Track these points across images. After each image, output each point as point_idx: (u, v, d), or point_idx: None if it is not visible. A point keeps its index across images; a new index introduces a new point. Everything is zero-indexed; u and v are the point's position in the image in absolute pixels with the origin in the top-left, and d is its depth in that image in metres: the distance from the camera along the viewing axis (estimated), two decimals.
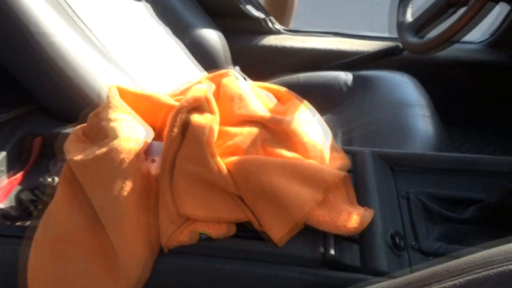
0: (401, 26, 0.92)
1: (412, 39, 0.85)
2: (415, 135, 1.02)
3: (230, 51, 1.35)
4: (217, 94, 0.69)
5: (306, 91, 1.25)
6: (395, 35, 1.08)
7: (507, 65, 1.31)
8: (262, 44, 1.42)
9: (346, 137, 1.12)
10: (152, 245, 0.51)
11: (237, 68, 1.37)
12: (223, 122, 0.63)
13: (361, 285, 0.46)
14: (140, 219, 0.51)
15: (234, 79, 0.72)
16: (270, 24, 1.45)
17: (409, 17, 0.92)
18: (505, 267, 0.26)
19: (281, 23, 1.52)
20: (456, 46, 1.43)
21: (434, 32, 0.84)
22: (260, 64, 1.42)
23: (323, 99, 1.22)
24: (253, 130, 0.64)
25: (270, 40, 1.43)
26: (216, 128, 0.58)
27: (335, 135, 1.13)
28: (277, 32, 1.46)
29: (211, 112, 0.60)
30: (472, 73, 1.37)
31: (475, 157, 0.69)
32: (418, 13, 0.95)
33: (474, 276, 0.27)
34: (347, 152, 0.69)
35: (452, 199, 0.63)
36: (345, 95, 1.26)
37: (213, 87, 0.69)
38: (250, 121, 0.67)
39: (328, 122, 1.20)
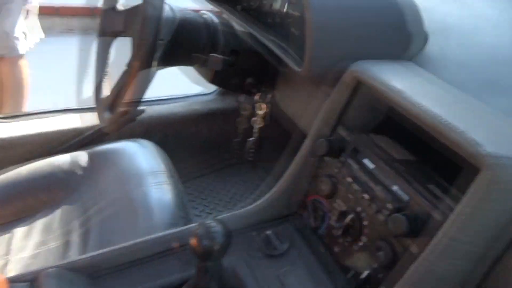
0: (97, 102, 0.84)
1: (105, 115, 0.77)
2: (153, 208, 0.94)
3: None
4: None
5: (30, 187, 1.06)
6: None
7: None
8: None
9: (83, 229, 0.96)
10: None
11: None
12: None
13: None
14: None
15: None
16: None
17: (104, 92, 0.85)
18: None
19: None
20: (194, 99, 1.48)
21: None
22: None
23: (54, 189, 1.04)
24: None
25: None
26: None
27: (70, 231, 0.95)
28: None
29: None
30: (209, 121, 1.43)
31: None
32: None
33: None
34: (19, 280, 0.53)
35: None
36: (81, 178, 1.09)
37: None
38: None
39: (63, 216, 1.03)
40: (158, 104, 1.39)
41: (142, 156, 1.10)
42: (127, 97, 0.58)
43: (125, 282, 0.61)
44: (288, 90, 0.92)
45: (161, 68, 0.72)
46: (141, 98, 0.61)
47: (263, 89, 0.85)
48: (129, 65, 0.57)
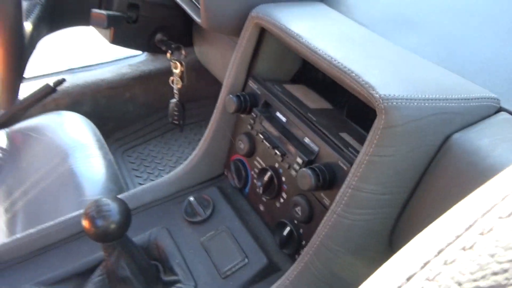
0: None
1: None
2: (81, 183, 0.88)
3: None
4: None
5: None
6: None
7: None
8: None
9: (9, 215, 0.90)
10: None
11: None
12: None
13: None
14: None
15: None
16: None
17: None
18: None
19: None
20: (123, 62, 1.38)
21: None
22: None
23: None
24: None
25: None
26: None
27: None
28: None
29: None
30: (143, 84, 1.35)
31: None
32: None
33: None
34: None
35: None
36: (1, 160, 1.01)
37: None
38: None
39: None
40: (83, 71, 1.29)
41: (66, 129, 1.02)
42: (3, 74, 0.51)
43: (34, 270, 0.57)
44: (206, 44, 0.86)
45: (47, 33, 0.64)
46: (21, 73, 0.54)
47: (175, 45, 0.78)
48: None
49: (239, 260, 0.58)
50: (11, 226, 0.88)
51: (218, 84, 1.01)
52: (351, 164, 0.47)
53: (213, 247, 0.60)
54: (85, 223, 0.44)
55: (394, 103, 0.40)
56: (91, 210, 0.44)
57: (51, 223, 0.61)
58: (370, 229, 0.48)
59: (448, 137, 0.43)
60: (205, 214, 0.64)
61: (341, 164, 0.48)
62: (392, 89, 0.41)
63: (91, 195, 0.89)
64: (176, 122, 0.80)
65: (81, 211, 0.64)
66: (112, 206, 0.45)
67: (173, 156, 1.38)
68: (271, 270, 0.58)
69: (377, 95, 0.40)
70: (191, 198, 0.66)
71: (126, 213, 0.47)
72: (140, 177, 1.29)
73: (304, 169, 0.48)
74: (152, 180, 1.29)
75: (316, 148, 0.52)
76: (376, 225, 0.47)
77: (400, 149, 0.41)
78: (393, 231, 0.50)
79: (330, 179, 0.49)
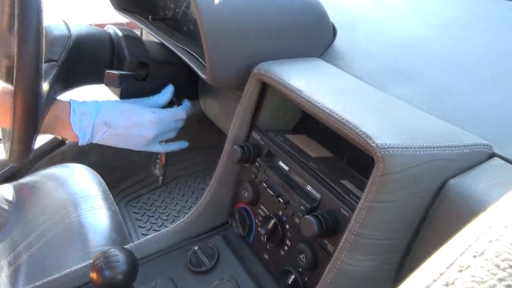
0: (3, 132, 0.78)
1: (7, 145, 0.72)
2: (86, 235, 0.89)
3: None
4: None
5: None
6: None
7: None
8: None
9: (12, 269, 0.89)
10: None
11: None
12: None
13: None
14: None
15: None
16: None
17: None
18: None
19: None
20: None
21: None
22: None
23: None
24: None
25: None
26: None
27: None
28: None
29: None
30: None
31: None
32: None
33: None
34: None
35: None
36: (7, 213, 1.02)
37: None
38: None
39: None
40: None
41: (73, 182, 1.05)
42: (19, 132, 0.54)
43: None
44: (211, 97, 0.90)
45: (63, 92, 0.68)
46: (36, 130, 0.57)
47: (182, 99, 0.82)
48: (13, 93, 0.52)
49: None
50: (13, 280, 0.88)
51: (220, 134, 1.04)
52: (352, 210, 0.49)
53: None
54: (93, 274, 0.45)
55: (391, 152, 0.42)
56: (100, 261, 0.45)
57: (56, 276, 0.61)
58: (374, 275, 0.48)
59: (445, 183, 0.45)
60: (210, 264, 0.64)
61: (343, 211, 0.50)
62: (388, 138, 0.43)
63: (95, 246, 0.89)
64: (158, 172, 0.82)
65: (86, 263, 0.65)
66: (120, 257, 0.46)
67: (176, 205, 1.38)
68: None
69: (374, 145, 0.42)
70: (196, 248, 0.67)
71: (134, 263, 0.47)
72: (143, 227, 1.29)
73: (307, 216, 0.50)
74: (156, 230, 1.29)
75: (318, 196, 0.54)
76: (380, 270, 0.48)
77: (399, 194, 0.43)
78: (397, 277, 0.50)
79: (333, 226, 0.50)
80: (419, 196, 0.44)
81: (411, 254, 0.47)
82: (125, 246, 0.69)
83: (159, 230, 1.32)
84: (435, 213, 0.45)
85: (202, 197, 0.71)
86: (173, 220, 1.33)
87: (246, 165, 0.66)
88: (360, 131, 0.44)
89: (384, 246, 0.46)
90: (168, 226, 1.36)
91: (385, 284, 0.50)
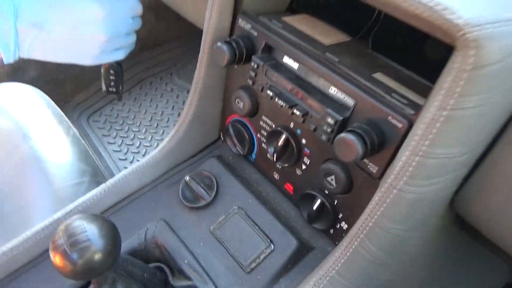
0: None
1: None
2: (50, 167, 0.74)
3: None
4: None
5: None
6: None
7: None
8: None
9: None
10: None
11: None
12: None
13: None
14: None
15: None
16: None
17: None
18: None
19: None
20: None
21: None
22: None
23: None
24: None
25: None
26: None
27: None
28: None
29: None
30: None
31: None
32: None
33: None
34: None
35: None
36: None
37: None
38: None
39: None
40: None
41: (12, 106, 0.84)
42: None
43: None
44: None
45: None
46: None
47: None
48: None
49: (264, 247, 0.47)
50: None
51: (183, 23, 0.82)
52: (408, 119, 0.35)
53: (228, 236, 0.49)
54: (56, 259, 0.31)
55: (489, 31, 0.26)
56: (62, 242, 0.31)
57: (16, 241, 0.47)
58: (437, 198, 0.37)
59: None
60: (210, 196, 0.52)
61: (394, 121, 0.36)
62: (479, 10, 0.27)
63: (61, 182, 0.74)
64: (114, 90, 0.63)
65: (55, 216, 0.51)
66: (89, 231, 0.32)
67: (146, 113, 1.21)
68: (304, 252, 0.48)
69: (461, 21, 0.27)
70: (187, 178, 0.53)
71: (112, 231, 0.34)
72: (113, 143, 1.14)
73: (344, 135, 0.36)
74: (129, 145, 1.15)
75: (350, 102, 0.39)
76: (444, 191, 0.37)
77: (494, 94, 0.29)
78: (457, 191, 0.39)
79: (379, 143, 0.36)
80: None
81: (479, 167, 0.36)
82: (99, 188, 0.55)
83: (132, 144, 1.18)
84: None
85: (183, 113, 0.55)
86: (145, 131, 1.17)
87: (236, 66, 0.49)
88: (436, 2, 0.28)
89: (458, 163, 0.33)
90: (141, 138, 1.21)
91: (444, 202, 0.39)
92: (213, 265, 0.47)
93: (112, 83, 0.62)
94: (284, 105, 0.43)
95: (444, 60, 0.30)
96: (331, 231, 0.48)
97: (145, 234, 0.50)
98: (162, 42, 1.28)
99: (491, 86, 0.28)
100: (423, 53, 0.46)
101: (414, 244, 0.42)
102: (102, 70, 0.62)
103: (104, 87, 0.63)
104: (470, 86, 0.28)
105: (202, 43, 0.49)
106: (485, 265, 0.60)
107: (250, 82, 0.47)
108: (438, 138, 0.31)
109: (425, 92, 0.36)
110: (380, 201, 0.36)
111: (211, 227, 0.50)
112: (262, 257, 0.47)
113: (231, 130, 0.55)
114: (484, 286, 0.65)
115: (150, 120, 1.19)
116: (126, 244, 0.48)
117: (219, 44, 0.45)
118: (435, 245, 0.47)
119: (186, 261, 0.47)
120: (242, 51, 0.45)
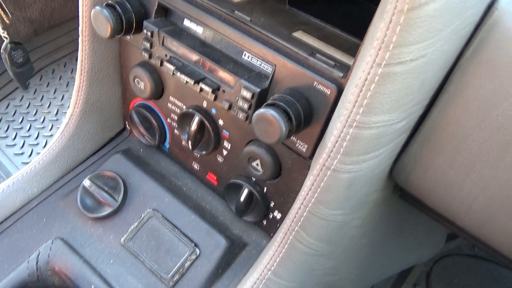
0: None
1: None
2: None
3: None
4: None
5: None
6: None
7: None
8: None
9: None
10: None
11: None
12: None
13: None
14: None
15: None
16: None
17: None
18: None
19: None
20: None
21: None
22: None
23: None
24: None
25: None
26: None
27: None
28: None
29: None
30: None
31: None
32: None
33: None
34: None
35: None
36: None
37: None
38: None
39: None
40: None
41: None
42: None
43: None
44: None
45: None
46: None
47: None
48: None
49: (188, 254, 0.40)
50: None
51: None
52: (336, 83, 0.28)
53: (143, 246, 0.41)
54: None
55: None
56: None
57: None
58: (376, 173, 0.31)
59: (491, 6, 0.26)
60: (116, 201, 0.43)
61: (320, 87, 0.29)
62: None
63: None
64: (13, 77, 0.51)
65: None
66: None
67: (50, 106, 1.05)
68: (236, 250, 0.41)
69: None
70: (87, 182, 0.43)
71: None
72: (12, 145, 0.98)
73: (263, 110, 0.28)
74: (32, 144, 0.99)
75: (268, 69, 0.32)
76: (383, 164, 0.31)
77: (435, 43, 0.23)
78: (395, 160, 0.34)
79: (306, 117, 0.30)
80: (459, 36, 0.25)
81: (418, 132, 0.31)
82: None
83: (36, 144, 1.02)
84: (471, 60, 0.27)
85: (71, 102, 0.45)
86: (52, 127, 1.02)
87: (128, 37, 0.40)
88: None
89: (397, 131, 0.28)
90: (48, 135, 1.06)
91: (383, 174, 0.34)
92: (128, 285, 0.39)
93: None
94: (189, 80, 0.35)
95: (371, 13, 0.24)
96: (264, 222, 0.42)
97: (37, 261, 0.40)
98: (61, 22, 1.11)
99: (432, 30, 0.22)
100: (348, 6, 0.40)
101: (354, 226, 0.37)
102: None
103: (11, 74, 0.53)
104: (408, 32, 0.22)
105: (80, 8, 0.39)
106: (425, 230, 0.58)
107: (146, 55, 0.38)
108: (374, 103, 0.25)
109: (353, 50, 0.30)
110: (313, 186, 0.30)
111: (122, 239, 0.41)
112: (186, 265, 0.39)
113: (135, 117, 0.46)
114: (425, 249, 0.64)
115: (57, 114, 1.04)
116: (10, 280, 0.38)
117: (98, 8, 0.35)
118: (375, 220, 0.42)
119: (93, 287, 0.38)
120: (131, 16, 0.36)
